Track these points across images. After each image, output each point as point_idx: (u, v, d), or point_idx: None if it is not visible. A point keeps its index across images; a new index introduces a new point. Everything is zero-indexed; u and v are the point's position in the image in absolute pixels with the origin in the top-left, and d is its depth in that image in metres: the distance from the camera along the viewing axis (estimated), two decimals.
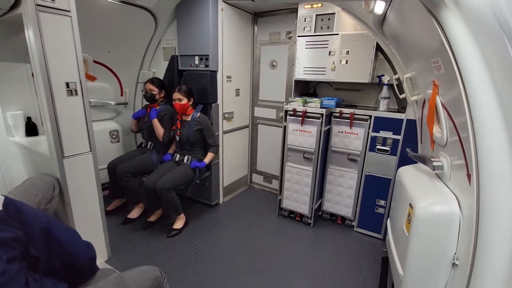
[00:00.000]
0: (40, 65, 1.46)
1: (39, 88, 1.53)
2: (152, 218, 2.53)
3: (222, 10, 2.52)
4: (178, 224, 2.43)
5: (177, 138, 2.50)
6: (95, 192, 1.88)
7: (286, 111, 2.47)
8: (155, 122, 2.50)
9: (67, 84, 1.60)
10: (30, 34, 1.44)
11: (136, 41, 2.84)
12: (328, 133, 2.47)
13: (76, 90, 1.64)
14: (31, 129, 2.14)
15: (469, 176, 1.10)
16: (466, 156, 1.10)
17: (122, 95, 3.05)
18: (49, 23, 1.46)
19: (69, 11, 1.54)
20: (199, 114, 2.51)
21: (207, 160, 2.49)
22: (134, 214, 2.59)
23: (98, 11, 2.31)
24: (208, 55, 2.53)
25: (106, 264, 1.99)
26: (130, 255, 2.12)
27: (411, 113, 2.09)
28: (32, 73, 1.61)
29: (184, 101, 2.39)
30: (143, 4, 2.45)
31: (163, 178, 2.27)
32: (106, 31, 2.53)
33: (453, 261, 1.21)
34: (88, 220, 1.87)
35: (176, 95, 2.38)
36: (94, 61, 2.63)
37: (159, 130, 2.50)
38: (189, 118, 2.49)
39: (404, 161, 2.08)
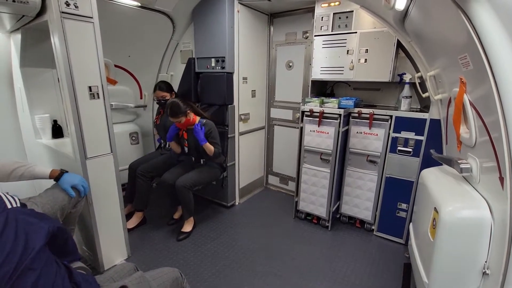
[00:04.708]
0: (65, 70, 1.53)
1: (64, 92, 1.60)
2: (177, 215, 2.61)
3: (238, 12, 2.53)
4: (187, 227, 2.43)
5: (186, 149, 2.40)
6: (115, 192, 1.93)
7: (303, 112, 2.43)
8: (172, 144, 2.42)
9: (90, 88, 1.66)
10: (55, 41, 1.51)
11: (154, 45, 2.92)
12: (346, 134, 2.41)
13: (98, 94, 1.70)
14: (57, 131, 2.24)
15: (501, 179, 1.02)
16: (499, 158, 1.03)
17: (141, 98, 3.13)
18: (73, 30, 1.52)
19: (91, 18, 1.59)
20: (204, 120, 2.35)
21: (207, 144, 2.25)
22: (131, 223, 2.43)
23: (119, 16, 2.38)
24: (224, 57, 2.55)
25: (125, 263, 2.04)
26: (148, 255, 2.16)
27: (435, 113, 2.00)
28: (58, 78, 1.68)
29: (183, 119, 2.20)
30: (162, 9, 2.51)
31: (183, 177, 2.31)
32: (126, 36, 2.61)
33: (484, 270, 1.13)
34: (109, 219, 1.93)
35: (173, 119, 2.18)
36: (115, 65, 2.73)
37: (211, 148, 2.29)
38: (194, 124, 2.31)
39: (428, 163, 1.98)
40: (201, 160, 2.51)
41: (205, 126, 2.30)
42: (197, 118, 2.33)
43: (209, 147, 2.27)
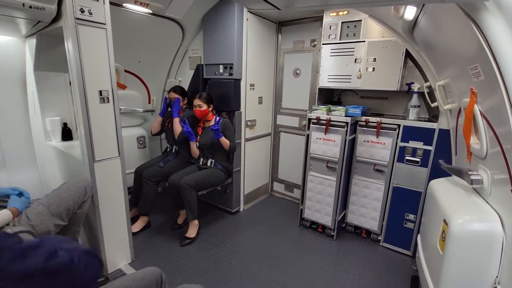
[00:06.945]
0: (77, 74, 1.56)
1: (75, 95, 1.63)
2: (180, 220, 2.61)
3: (247, 20, 2.57)
4: (192, 232, 2.41)
5: (197, 144, 2.55)
6: (121, 195, 1.94)
7: (310, 119, 2.43)
8: (176, 120, 2.56)
9: (100, 92, 1.69)
10: (69, 46, 1.55)
11: (164, 51, 2.97)
12: (353, 142, 2.40)
13: (108, 98, 1.73)
14: (67, 134, 2.28)
15: None
16: (511, 170, 1.01)
17: (149, 102, 3.17)
18: (86, 35, 1.56)
19: (104, 24, 1.63)
20: (222, 119, 2.56)
21: (223, 138, 2.46)
22: (136, 227, 2.46)
23: (130, 23, 2.43)
24: (232, 64, 2.57)
25: (129, 267, 2.04)
26: (152, 259, 2.15)
27: (444, 123, 1.97)
28: (70, 82, 1.71)
29: (204, 107, 2.47)
30: (172, 16, 2.56)
31: (187, 176, 2.34)
32: (137, 42, 2.66)
33: (495, 285, 1.10)
34: (114, 222, 1.94)
35: (196, 102, 2.47)
36: (125, 71, 2.77)
37: (178, 129, 2.56)
38: (210, 124, 2.54)
39: (436, 173, 1.95)
40: (208, 162, 2.53)
41: (221, 122, 2.54)
42: (213, 118, 2.59)
43: (225, 141, 2.48)
